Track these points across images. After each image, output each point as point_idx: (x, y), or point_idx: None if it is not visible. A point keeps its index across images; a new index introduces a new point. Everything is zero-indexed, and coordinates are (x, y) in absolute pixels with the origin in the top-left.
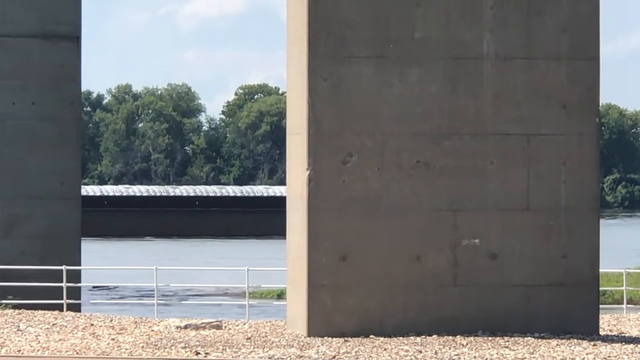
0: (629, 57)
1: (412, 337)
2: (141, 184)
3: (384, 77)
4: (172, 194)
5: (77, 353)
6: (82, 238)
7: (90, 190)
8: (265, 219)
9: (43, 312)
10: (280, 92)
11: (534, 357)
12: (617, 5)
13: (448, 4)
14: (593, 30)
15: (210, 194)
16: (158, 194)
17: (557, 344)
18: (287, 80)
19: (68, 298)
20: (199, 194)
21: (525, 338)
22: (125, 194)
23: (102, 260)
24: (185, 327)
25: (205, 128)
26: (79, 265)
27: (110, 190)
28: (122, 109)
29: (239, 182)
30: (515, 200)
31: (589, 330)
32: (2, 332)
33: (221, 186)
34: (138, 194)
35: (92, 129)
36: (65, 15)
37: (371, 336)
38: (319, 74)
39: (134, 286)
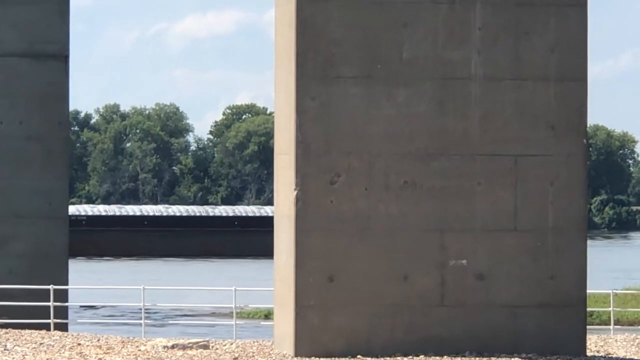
0: (617, 78)
1: (399, 357)
2: (128, 204)
3: (372, 98)
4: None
5: None
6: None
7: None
8: (257, 239)
9: (30, 331)
10: (268, 112)
11: None
12: (605, 27)
13: (436, 25)
14: (581, 51)
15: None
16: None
17: None
18: (275, 100)
19: (55, 317)
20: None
21: (513, 359)
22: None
23: (89, 280)
24: (173, 347)
25: (193, 148)
26: (67, 284)
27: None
28: (110, 128)
29: (226, 202)
30: (502, 221)
31: (576, 351)
32: None
33: (214, 206)
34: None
35: (79, 149)
36: (53, 34)
37: (358, 356)
38: (306, 94)
39: (122, 306)
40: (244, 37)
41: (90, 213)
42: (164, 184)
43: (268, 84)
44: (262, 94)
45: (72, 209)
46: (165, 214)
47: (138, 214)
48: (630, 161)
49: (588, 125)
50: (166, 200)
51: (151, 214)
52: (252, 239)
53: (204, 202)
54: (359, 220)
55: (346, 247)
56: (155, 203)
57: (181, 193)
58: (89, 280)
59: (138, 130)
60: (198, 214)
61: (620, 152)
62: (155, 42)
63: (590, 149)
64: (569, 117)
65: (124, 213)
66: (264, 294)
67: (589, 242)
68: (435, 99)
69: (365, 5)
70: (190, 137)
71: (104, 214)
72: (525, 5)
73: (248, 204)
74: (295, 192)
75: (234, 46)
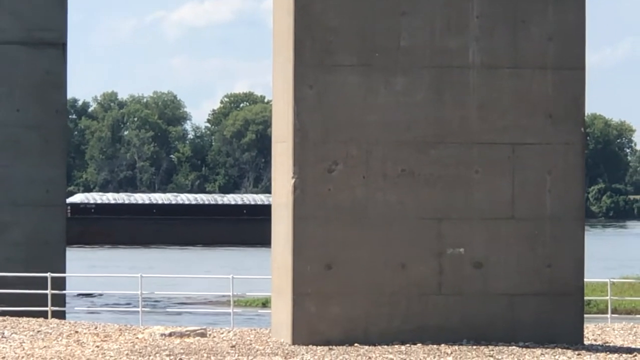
0: (615, 67)
1: (396, 346)
2: (126, 192)
3: (370, 86)
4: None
5: None
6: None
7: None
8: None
9: (27, 319)
10: (266, 100)
11: None
12: (603, 15)
13: (434, 13)
14: (579, 39)
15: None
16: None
17: (542, 353)
18: (272, 89)
19: (53, 305)
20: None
21: (510, 347)
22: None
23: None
24: (170, 334)
25: (190, 136)
26: (64, 272)
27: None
28: (107, 116)
29: (224, 190)
30: (500, 210)
31: (573, 340)
32: None
33: (222, 194)
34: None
35: (77, 137)
36: (51, 22)
37: (356, 345)
38: (304, 82)
39: (119, 294)
40: (241, 25)
41: (99, 201)
42: (162, 172)
43: (266, 72)
44: (260, 82)
45: (82, 197)
46: (174, 202)
47: (147, 202)
48: (628, 150)
49: (586, 114)
50: (164, 188)
51: (160, 202)
52: (261, 227)
53: (202, 190)
54: (357, 209)
55: (344, 235)
56: (153, 191)
57: (179, 181)
58: (94, 268)
59: (136, 119)
60: (207, 202)
61: (618, 141)
62: (153, 30)
63: (588, 137)
64: (566, 106)
65: (133, 201)
66: (262, 282)
67: (586, 231)
68: (433, 87)
69: None
70: (188, 126)
71: (112, 202)
72: None
73: (246, 192)
74: (293, 180)
75: (232, 34)
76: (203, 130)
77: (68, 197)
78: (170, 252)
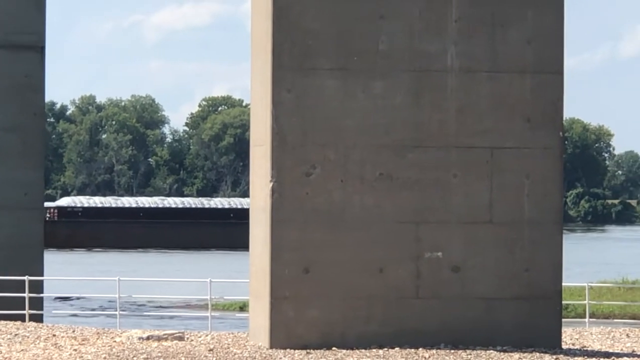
0: (594, 71)
1: (374, 350)
2: (104, 195)
3: (348, 89)
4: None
5: None
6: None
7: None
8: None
9: (5, 322)
10: (244, 104)
11: None
12: (582, 20)
13: (412, 17)
14: (557, 43)
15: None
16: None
17: (520, 358)
18: (251, 92)
19: (30, 308)
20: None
21: (488, 351)
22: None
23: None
24: (148, 338)
25: (168, 140)
26: (42, 275)
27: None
28: (85, 120)
29: (202, 194)
30: (478, 214)
31: (551, 344)
32: None
33: (209, 198)
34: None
35: (55, 140)
36: (29, 25)
37: (333, 348)
38: (282, 86)
39: (98, 297)
40: (220, 28)
41: (86, 205)
42: (140, 175)
43: (244, 76)
44: (239, 85)
45: (69, 201)
46: (161, 205)
47: (134, 205)
48: (606, 154)
49: (564, 118)
50: (142, 191)
51: (147, 205)
52: (248, 231)
53: (180, 193)
54: (335, 212)
55: (321, 239)
56: (131, 194)
57: (157, 185)
58: (79, 271)
59: (114, 122)
60: (194, 206)
61: (596, 145)
62: (132, 33)
63: (566, 142)
64: (545, 110)
65: (120, 205)
66: (240, 285)
67: (564, 235)
68: (412, 91)
69: None
70: (166, 129)
71: (99, 205)
72: None
73: (224, 196)
74: (271, 184)
75: (211, 38)
76: (181, 134)
77: (47, 200)
78: (157, 256)
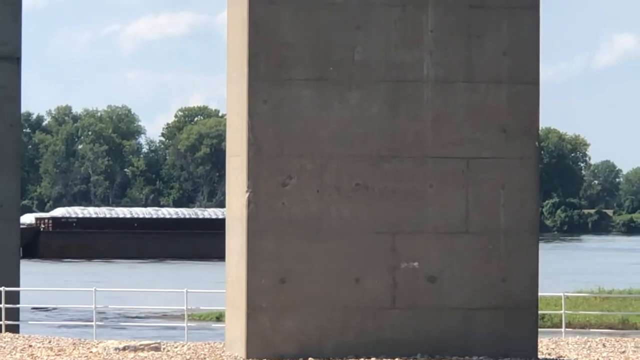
0: (570, 81)
1: None
2: (80, 205)
3: (324, 100)
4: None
5: None
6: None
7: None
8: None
9: None
10: (220, 114)
11: None
12: (558, 30)
13: (388, 27)
14: (533, 54)
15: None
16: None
17: None
18: (227, 102)
19: (7, 319)
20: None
21: None
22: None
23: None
24: (124, 348)
25: (144, 150)
26: (18, 286)
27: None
28: (61, 130)
29: (178, 204)
30: (454, 224)
31: (527, 354)
32: None
33: (203, 208)
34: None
35: (31, 151)
36: (5, 36)
37: (310, 359)
38: (259, 96)
39: (74, 307)
40: (196, 39)
41: (80, 215)
42: (116, 186)
43: (221, 86)
44: (215, 96)
45: (63, 211)
46: (155, 216)
47: (128, 216)
48: (582, 164)
49: (540, 128)
50: (118, 202)
51: (141, 216)
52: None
53: (156, 204)
54: (311, 223)
55: (298, 249)
56: (107, 205)
57: (133, 195)
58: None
59: (90, 132)
60: (188, 217)
61: (572, 155)
62: (108, 43)
63: (542, 152)
64: (521, 120)
65: (114, 215)
66: (217, 295)
67: (540, 244)
68: (388, 101)
69: (318, 8)
70: (142, 139)
71: (94, 216)
72: (478, 7)
73: (200, 206)
74: (247, 194)
75: (187, 48)
76: (157, 144)
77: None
78: (150, 266)
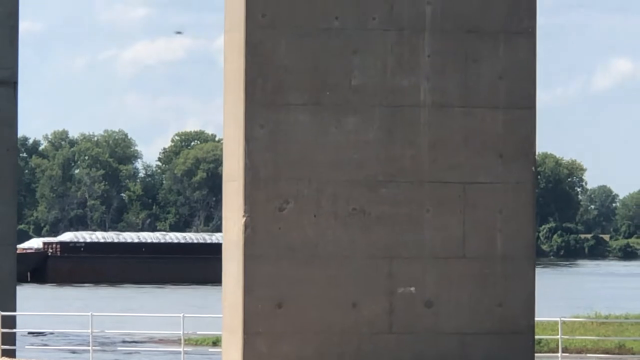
0: (566, 106)
1: None
2: (77, 230)
3: (321, 125)
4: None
5: None
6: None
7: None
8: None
9: None
10: (217, 139)
11: None
12: (555, 54)
13: (385, 52)
14: (530, 79)
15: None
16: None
17: None
18: (223, 127)
19: (3, 344)
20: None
21: None
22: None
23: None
24: None
25: (141, 174)
26: (15, 311)
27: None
28: (58, 155)
29: (175, 229)
30: (451, 248)
31: None
32: None
33: (211, 233)
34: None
35: (28, 175)
36: (2, 60)
37: None
38: (255, 121)
39: (71, 332)
40: (194, 63)
41: (88, 240)
42: (113, 210)
43: (218, 111)
44: (212, 120)
45: (71, 236)
46: (162, 240)
47: (136, 240)
48: (579, 189)
49: (537, 153)
50: (114, 227)
51: (149, 240)
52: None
53: (153, 228)
54: (308, 247)
55: (295, 274)
56: (104, 229)
57: (129, 219)
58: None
59: (86, 157)
60: (196, 241)
61: (569, 180)
62: (105, 68)
63: (539, 176)
64: (517, 145)
65: (122, 240)
66: (214, 320)
67: (537, 269)
68: (384, 126)
69: (315, 33)
70: (138, 164)
71: (102, 240)
72: (474, 32)
73: (197, 231)
74: (244, 219)
75: (184, 73)
76: (154, 169)
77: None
78: (157, 291)
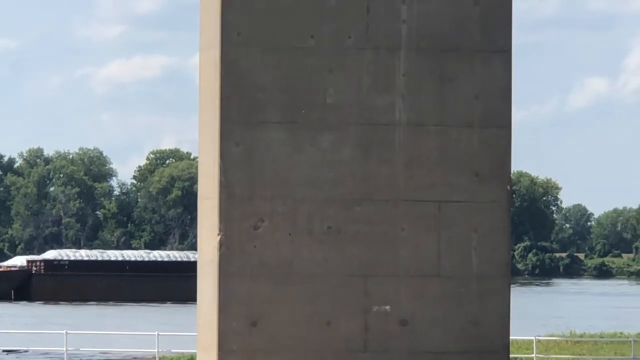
0: (542, 124)
1: None
2: (52, 248)
3: (296, 143)
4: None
5: None
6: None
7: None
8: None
9: None
10: (192, 157)
11: None
12: (531, 73)
13: (360, 70)
14: (505, 97)
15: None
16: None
17: None
18: (198, 145)
19: None
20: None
21: None
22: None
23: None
24: None
25: (116, 192)
26: None
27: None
28: (33, 172)
29: (150, 246)
30: (426, 267)
31: None
32: None
33: (194, 251)
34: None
35: (3, 193)
36: None
37: None
38: (231, 139)
39: (46, 350)
40: (169, 81)
41: (72, 258)
42: (88, 228)
43: (193, 129)
44: (187, 138)
45: (55, 254)
46: (147, 259)
47: (120, 259)
48: (554, 208)
49: (512, 172)
50: (89, 244)
51: (133, 259)
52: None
53: (128, 246)
54: (283, 266)
55: (269, 292)
56: (79, 247)
57: (104, 237)
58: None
59: (62, 175)
60: (179, 259)
61: (544, 198)
62: (81, 86)
63: (514, 195)
64: (493, 164)
65: (106, 258)
66: (189, 338)
67: (512, 288)
68: (360, 144)
69: (291, 51)
70: (113, 182)
71: (86, 258)
72: (450, 51)
73: (172, 249)
74: (219, 237)
75: (159, 91)
76: (129, 187)
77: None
78: (140, 309)
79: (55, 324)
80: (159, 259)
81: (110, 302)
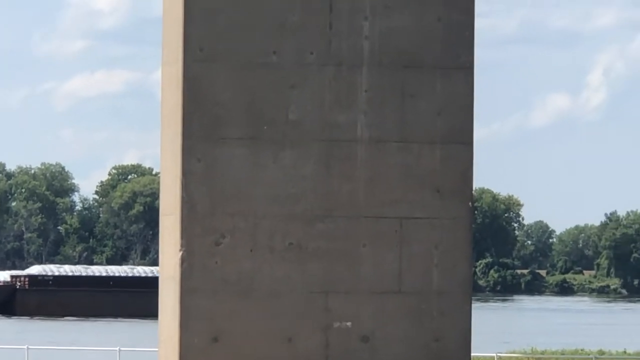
0: (503, 141)
1: None
2: (13, 263)
3: (258, 159)
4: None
5: None
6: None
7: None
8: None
9: None
10: (154, 172)
11: None
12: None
13: (323, 87)
14: (467, 114)
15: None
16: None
17: None
18: (160, 161)
19: None
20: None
21: None
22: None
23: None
24: None
25: (78, 208)
26: None
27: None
28: None
29: (111, 262)
30: (387, 283)
31: None
32: None
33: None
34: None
35: None
36: None
37: None
38: (192, 155)
39: None
40: (131, 96)
41: (57, 273)
42: (49, 243)
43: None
44: (149, 154)
45: (39, 269)
46: (130, 274)
47: (104, 274)
48: (516, 224)
49: (474, 188)
50: (51, 259)
51: (117, 274)
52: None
53: (90, 262)
54: (244, 282)
55: (231, 308)
56: (40, 262)
57: (66, 253)
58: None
59: (23, 190)
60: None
61: (506, 215)
62: (43, 101)
63: (476, 212)
64: (454, 181)
65: (90, 273)
66: (149, 354)
67: (473, 304)
68: (322, 160)
69: (253, 67)
70: (75, 197)
71: (70, 274)
72: (412, 67)
73: (133, 264)
74: (180, 253)
75: (122, 106)
76: (91, 202)
77: None
78: (125, 325)
79: (28, 340)
80: (143, 275)
81: (93, 318)
